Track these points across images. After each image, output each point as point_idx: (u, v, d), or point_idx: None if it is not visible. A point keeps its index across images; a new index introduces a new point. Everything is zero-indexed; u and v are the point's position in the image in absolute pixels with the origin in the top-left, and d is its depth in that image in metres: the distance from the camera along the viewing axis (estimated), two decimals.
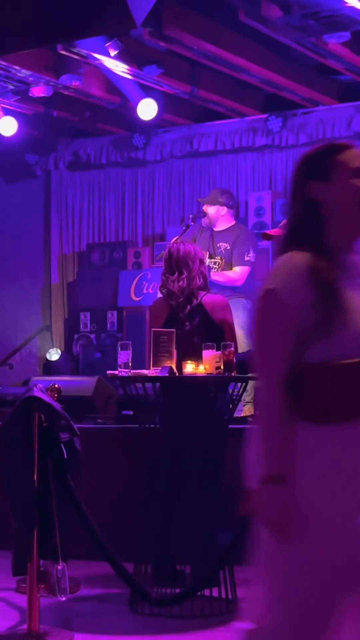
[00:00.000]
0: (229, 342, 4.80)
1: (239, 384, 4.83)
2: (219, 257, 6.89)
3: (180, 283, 4.98)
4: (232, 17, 7.15)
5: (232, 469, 4.93)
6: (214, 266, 6.86)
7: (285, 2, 6.70)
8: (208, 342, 4.79)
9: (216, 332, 4.98)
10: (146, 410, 4.84)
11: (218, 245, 6.96)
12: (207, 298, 5.04)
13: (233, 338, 5.02)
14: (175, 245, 5.13)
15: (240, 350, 5.13)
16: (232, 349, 4.76)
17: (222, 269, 6.89)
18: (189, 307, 4.98)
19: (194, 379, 4.70)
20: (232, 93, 9.15)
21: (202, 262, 5.09)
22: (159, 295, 5.23)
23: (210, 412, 4.77)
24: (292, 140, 9.50)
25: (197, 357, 4.75)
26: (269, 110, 9.46)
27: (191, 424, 4.69)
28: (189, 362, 4.70)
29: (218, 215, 7.03)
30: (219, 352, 4.72)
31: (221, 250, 6.92)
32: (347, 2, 6.45)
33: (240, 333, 5.97)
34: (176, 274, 5.00)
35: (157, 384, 4.80)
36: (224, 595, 4.57)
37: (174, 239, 5.87)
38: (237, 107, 9.44)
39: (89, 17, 4.38)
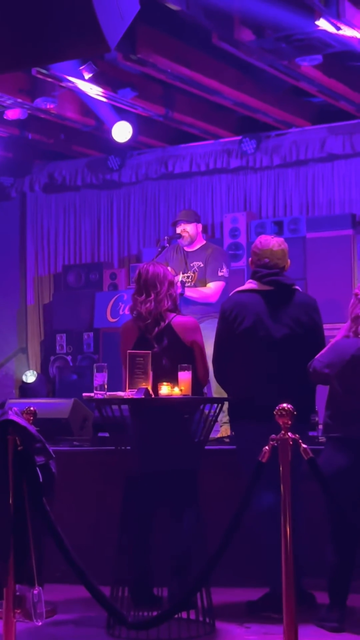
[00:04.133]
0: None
1: (215, 405, 4.81)
2: (191, 272, 6.92)
3: (148, 305, 4.91)
4: (205, 40, 7.20)
5: (208, 489, 4.94)
6: (187, 280, 6.87)
7: (258, 25, 6.76)
8: (178, 363, 4.73)
9: (186, 353, 4.90)
10: (122, 432, 4.82)
11: (191, 264, 7.00)
12: (177, 320, 4.95)
13: (203, 359, 4.96)
14: (145, 266, 5.08)
15: (211, 371, 5.10)
16: None
17: (195, 285, 6.90)
18: (157, 329, 4.90)
19: (169, 400, 4.67)
20: (206, 115, 9.21)
21: (171, 284, 5.01)
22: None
23: (185, 433, 4.75)
24: (267, 161, 9.58)
25: (167, 379, 4.71)
26: (243, 132, 9.53)
27: (166, 445, 4.67)
28: (164, 384, 4.67)
29: (197, 231, 7.10)
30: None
31: (194, 269, 6.95)
32: (319, 26, 6.52)
33: None
34: (144, 295, 4.95)
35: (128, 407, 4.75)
36: (201, 618, 4.56)
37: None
38: (211, 129, 9.50)
39: (62, 40, 4.39)
